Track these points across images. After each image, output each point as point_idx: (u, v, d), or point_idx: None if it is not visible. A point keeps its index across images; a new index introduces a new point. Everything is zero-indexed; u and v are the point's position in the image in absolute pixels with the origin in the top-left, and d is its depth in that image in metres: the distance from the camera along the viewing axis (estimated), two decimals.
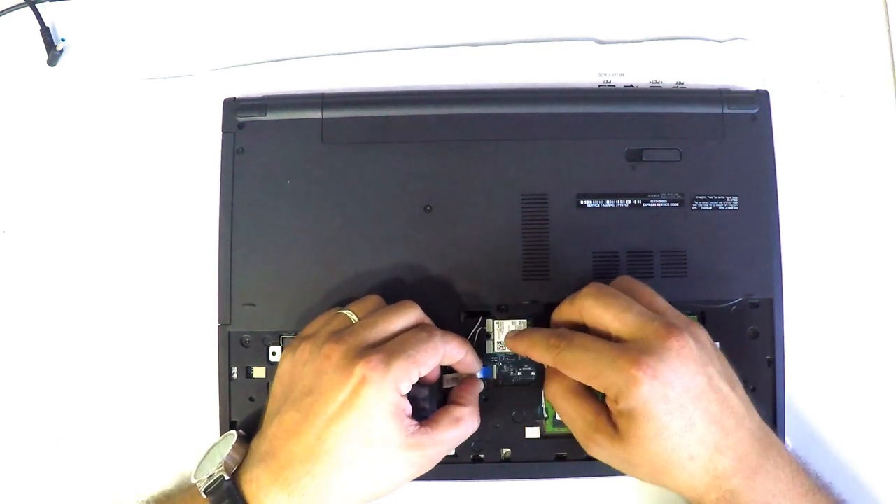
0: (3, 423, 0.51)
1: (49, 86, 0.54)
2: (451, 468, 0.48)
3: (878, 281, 0.51)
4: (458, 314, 0.48)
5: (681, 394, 0.40)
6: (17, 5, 0.54)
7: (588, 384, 0.42)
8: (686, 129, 0.50)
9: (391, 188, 0.49)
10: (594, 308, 0.43)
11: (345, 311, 0.44)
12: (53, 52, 0.53)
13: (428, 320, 0.45)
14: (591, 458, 0.47)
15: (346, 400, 0.40)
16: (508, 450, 0.48)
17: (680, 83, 0.52)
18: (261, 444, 0.42)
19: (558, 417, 0.47)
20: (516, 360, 0.48)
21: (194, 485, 0.41)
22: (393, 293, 0.48)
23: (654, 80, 0.52)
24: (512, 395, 0.48)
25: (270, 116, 0.50)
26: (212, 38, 0.54)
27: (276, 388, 0.44)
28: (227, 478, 0.41)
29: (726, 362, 0.43)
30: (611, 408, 0.42)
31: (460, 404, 0.45)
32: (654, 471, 0.41)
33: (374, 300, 0.46)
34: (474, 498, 0.49)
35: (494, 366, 0.48)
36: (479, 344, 0.48)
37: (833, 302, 0.51)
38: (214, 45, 0.54)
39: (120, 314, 0.51)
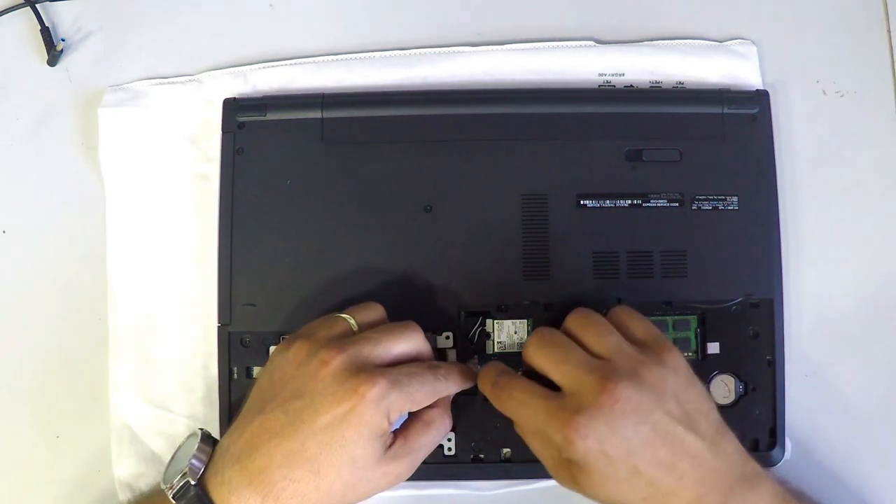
0: (3, 424, 0.51)
1: (49, 86, 0.54)
2: (451, 468, 0.48)
3: (878, 281, 0.51)
4: (458, 314, 0.48)
5: (619, 446, 0.39)
6: (17, 5, 0.54)
7: (530, 437, 0.42)
8: (686, 129, 0.50)
9: (391, 188, 0.49)
10: (535, 357, 0.43)
11: (345, 317, 0.44)
12: (53, 52, 0.53)
13: (428, 348, 0.45)
14: None
15: (340, 414, 0.40)
16: (508, 450, 0.48)
17: (680, 83, 0.52)
18: (235, 441, 0.41)
19: None
20: (516, 361, 0.48)
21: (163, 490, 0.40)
22: (393, 293, 0.48)
23: (654, 80, 0.52)
24: None
25: (270, 116, 0.50)
26: (212, 38, 0.54)
27: (263, 383, 0.43)
28: (193, 483, 0.40)
29: (694, 393, 0.41)
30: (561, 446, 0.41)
31: (430, 407, 0.44)
32: None
33: (375, 310, 0.45)
34: (474, 498, 0.49)
35: None
36: (479, 344, 0.48)
37: (833, 302, 0.51)
38: (214, 45, 0.54)
39: (120, 314, 0.50)
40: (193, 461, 0.40)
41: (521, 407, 0.42)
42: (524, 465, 0.48)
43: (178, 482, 0.40)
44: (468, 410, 0.48)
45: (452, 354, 0.48)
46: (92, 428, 0.50)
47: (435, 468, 0.48)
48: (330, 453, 0.40)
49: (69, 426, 0.50)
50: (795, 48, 0.53)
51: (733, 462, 0.41)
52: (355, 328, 0.44)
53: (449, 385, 0.44)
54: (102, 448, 0.50)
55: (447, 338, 0.48)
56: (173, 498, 0.40)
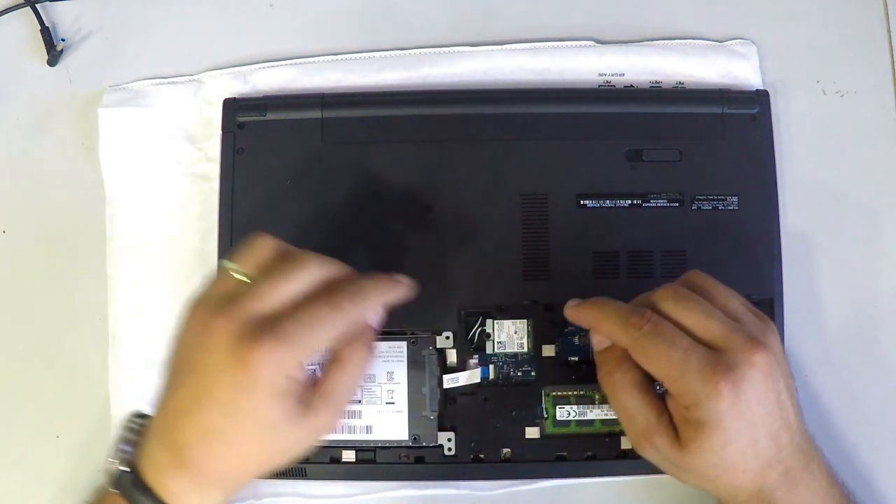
0: (3, 424, 0.51)
1: (49, 86, 0.54)
2: (451, 468, 0.48)
3: (878, 281, 0.51)
4: (458, 314, 0.48)
5: (754, 413, 0.39)
6: (17, 5, 0.54)
7: (660, 380, 0.40)
8: (686, 129, 0.50)
9: (391, 188, 0.49)
10: (676, 310, 0.40)
11: (231, 267, 0.40)
12: (53, 52, 0.53)
13: (336, 272, 0.40)
14: (590, 458, 0.47)
15: (235, 385, 0.37)
16: (508, 450, 0.48)
17: (680, 83, 0.52)
18: (156, 419, 0.40)
19: (559, 417, 0.47)
20: (516, 360, 0.48)
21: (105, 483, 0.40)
22: None
23: (654, 80, 0.52)
24: (512, 395, 0.48)
25: (270, 116, 0.50)
26: (212, 38, 0.54)
27: (171, 354, 0.40)
28: (127, 470, 0.39)
29: (788, 367, 0.41)
30: (676, 412, 0.40)
31: (345, 344, 0.41)
32: (703, 478, 0.40)
33: (267, 246, 0.40)
34: (474, 498, 0.49)
35: (493, 366, 0.48)
36: (479, 344, 0.48)
37: (833, 302, 0.51)
38: (214, 45, 0.54)
39: (120, 314, 0.50)
40: (125, 446, 0.40)
41: (669, 347, 0.39)
42: (524, 465, 0.48)
43: (111, 469, 0.40)
44: (468, 410, 0.48)
45: (452, 354, 0.48)
46: (92, 428, 0.50)
47: (435, 468, 0.48)
48: (238, 424, 0.38)
49: (69, 426, 0.50)
50: (795, 48, 0.53)
51: (808, 438, 0.41)
52: (245, 279, 0.39)
53: (353, 312, 0.39)
54: (102, 448, 0.50)
55: (447, 338, 0.48)
56: (111, 486, 0.39)
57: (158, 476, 0.39)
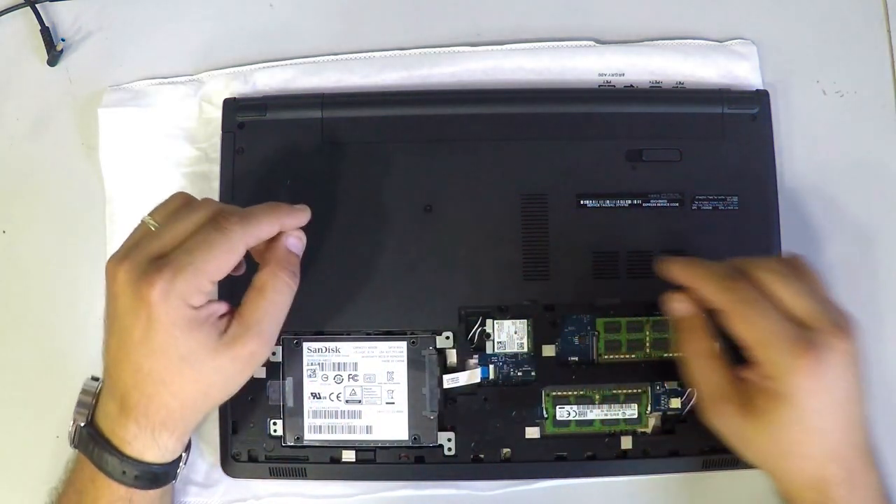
0: (3, 424, 0.51)
1: (49, 86, 0.54)
2: (451, 468, 0.48)
3: (878, 281, 0.51)
4: (458, 314, 0.48)
5: (830, 397, 0.39)
6: (17, 5, 0.54)
7: (745, 345, 0.41)
8: (686, 129, 0.50)
9: (391, 188, 0.49)
10: (772, 280, 0.41)
11: (146, 217, 0.41)
12: (53, 52, 0.53)
13: (230, 207, 0.42)
14: (590, 458, 0.47)
15: (142, 325, 0.38)
16: (508, 450, 0.48)
17: (680, 83, 0.52)
18: (104, 373, 0.42)
19: (559, 417, 0.47)
20: (516, 360, 0.48)
21: (72, 454, 0.42)
22: (392, 293, 0.48)
23: (654, 80, 0.52)
24: (512, 395, 0.48)
25: (270, 116, 0.50)
26: (212, 38, 0.54)
27: (104, 310, 0.42)
28: (81, 424, 0.41)
29: (862, 369, 0.42)
30: (755, 380, 0.41)
31: (260, 269, 0.42)
32: (765, 454, 0.41)
33: (177, 198, 0.42)
34: (474, 498, 0.49)
35: (493, 366, 0.48)
36: (479, 344, 0.48)
37: None
38: (214, 45, 0.54)
39: None
40: (80, 405, 0.42)
41: (762, 313, 0.40)
42: (524, 465, 0.48)
43: (72, 428, 0.42)
44: (468, 410, 0.48)
45: (452, 354, 0.48)
46: None
47: (435, 468, 0.48)
48: (160, 361, 0.39)
49: (69, 426, 0.50)
50: (795, 48, 0.53)
51: (870, 441, 0.41)
52: (152, 225, 0.41)
53: (251, 230, 0.40)
54: None
55: (447, 338, 0.48)
56: (74, 447, 0.42)
57: (111, 426, 0.40)
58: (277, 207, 0.43)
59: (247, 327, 0.40)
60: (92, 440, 0.41)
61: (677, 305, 0.44)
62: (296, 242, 0.43)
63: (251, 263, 0.44)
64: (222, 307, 0.41)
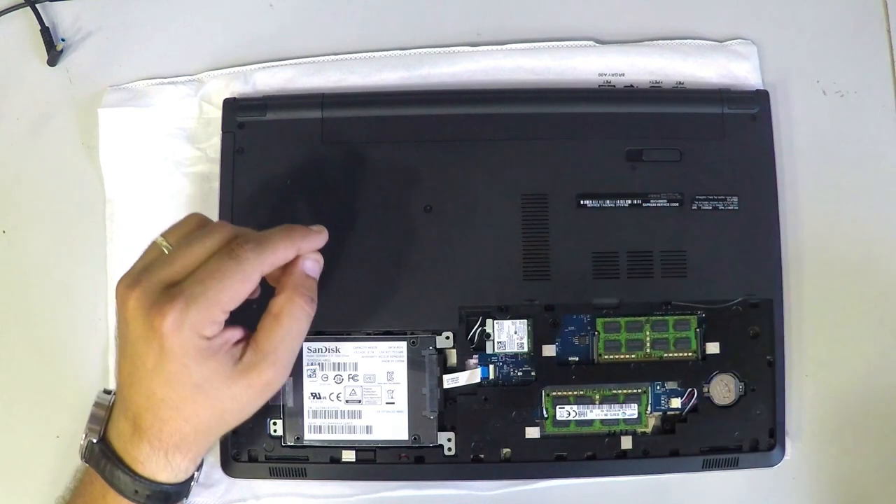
0: (3, 424, 0.51)
1: (49, 86, 0.54)
2: (451, 468, 0.48)
3: (878, 280, 0.51)
4: (458, 314, 0.48)
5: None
6: (17, 5, 0.54)
7: None
8: (686, 129, 0.50)
9: (391, 188, 0.49)
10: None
11: (158, 239, 0.40)
12: (53, 52, 0.53)
13: (245, 231, 0.41)
14: (590, 458, 0.47)
15: (154, 354, 0.38)
16: (508, 450, 0.48)
17: (680, 83, 0.52)
18: (117, 392, 0.41)
19: (559, 417, 0.48)
20: (516, 360, 0.48)
21: (81, 464, 0.41)
22: (393, 293, 0.48)
23: (654, 80, 0.52)
24: (512, 395, 0.48)
25: (270, 116, 0.50)
26: (212, 38, 0.54)
27: (116, 329, 0.42)
28: (94, 441, 0.41)
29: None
30: None
31: (277, 294, 0.41)
32: None
33: (191, 220, 0.41)
34: (474, 498, 0.49)
35: (493, 366, 0.48)
36: (479, 344, 0.48)
37: (833, 302, 0.51)
38: (214, 45, 0.54)
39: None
40: (92, 420, 0.41)
41: None
42: (524, 465, 0.48)
43: (84, 443, 0.41)
44: (468, 410, 0.48)
45: (452, 354, 0.48)
46: None
47: (435, 468, 0.48)
48: (174, 390, 0.38)
49: (69, 426, 0.50)
50: (795, 48, 0.53)
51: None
52: (165, 248, 0.40)
53: (267, 258, 0.39)
54: None
55: (447, 338, 0.48)
56: (84, 459, 0.41)
57: (124, 444, 0.40)
58: (293, 231, 0.41)
59: (263, 355, 0.40)
60: (104, 457, 0.40)
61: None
62: (313, 266, 0.42)
63: (267, 286, 0.42)
64: (237, 334, 0.40)
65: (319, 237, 0.42)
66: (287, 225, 0.42)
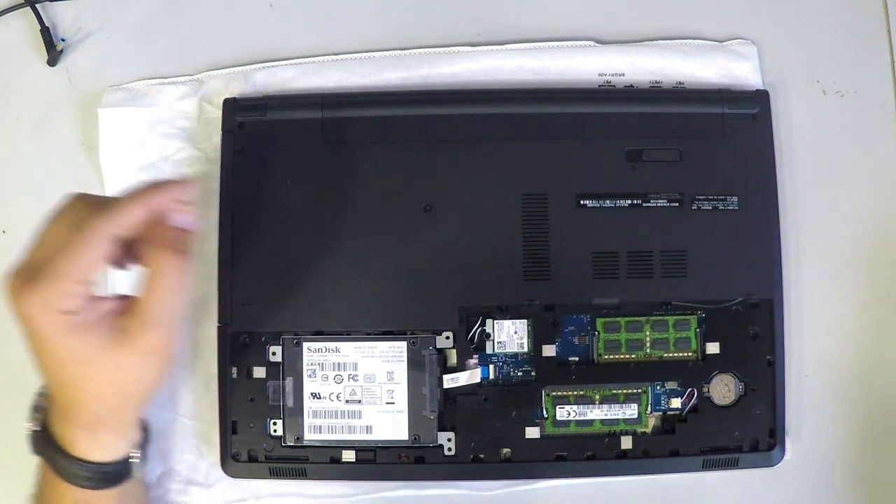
0: (3, 423, 0.51)
1: (49, 86, 0.54)
2: (451, 468, 0.48)
3: (878, 281, 0.51)
4: (458, 314, 0.48)
5: None
6: (17, 5, 0.54)
7: None
8: (686, 129, 0.50)
9: (391, 188, 0.49)
10: None
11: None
12: (53, 52, 0.53)
13: (91, 199, 0.39)
14: (590, 458, 0.47)
15: (32, 340, 0.38)
16: (508, 450, 0.48)
17: (680, 83, 0.52)
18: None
19: (559, 417, 0.48)
20: (516, 360, 0.48)
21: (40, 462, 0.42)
22: (393, 293, 0.48)
23: (654, 80, 0.52)
24: (512, 395, 0.48)
25: (270, 116, 0.50)
26: (212, 38, 0.54)
27: None
28: (36, 429, 0.42)
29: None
30: None
31: (145, 254, 0.39)
32: None
33: (65, 202, 0.40)
34: (474, 498, 0.49)
35: (493, 366, 0.48)
36: (479, 344, 0.48)
37: (833, 302, 0.51)
38: (214, 45, 0.54)
39: None
40: (35, 409, 0.43)
41: None
42: (524, 465, 0.48)
43: (28, 433, 0.43)
44: (468, 410, 0.48)
45: (452, 354, 0.48)
46: None
47: (435, 468, 0.48)
48: (65, 369, 0.39)
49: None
50: (795, 48, 0.53)
51: None
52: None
53: (104, 225, 0.38)
54: None
55: (447, 338, 0.48)
56: (32, 450, 0.42)
57: (58, 429, 0.41)
58: (144, 187, 0.40)
59: (140, 320, 0.39)
60: (44, 444, 0.42)
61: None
62: (180, 217, 0.40)
63: None
64: (110, 303, 0.39)
65: (176, 187, 0.40)
66: (141, 181, 0.40)
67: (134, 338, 0.39)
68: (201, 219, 0.42)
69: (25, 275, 0.38)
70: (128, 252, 0.40)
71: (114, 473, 0.42)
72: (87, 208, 0.39)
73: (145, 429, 0.46)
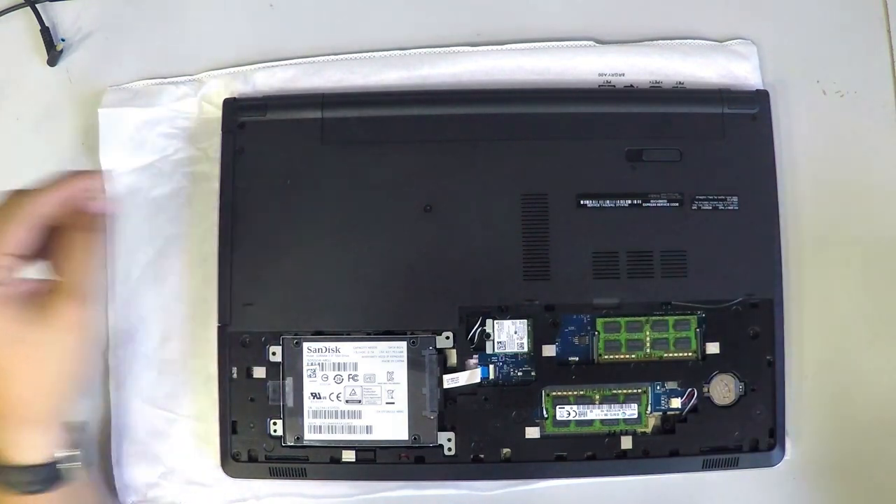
0: None
1: (49, 86, 0.54)
2: (451, 468, 0.48)
3: (878, 281, 0.51)
4: (458, 314, 0.48)
5: None
6: (17, 5, 0.54)
7: None
8: (686, 129, 0.50)
9: (391, 188, 0.49)
10: None
11: None
12: (53, 52, 0.53)
13: (19, 190, 0.41)
14: (590, 458, 0.47)
15: None
16: (508, 450, 0.48)
17: (680, 83, 0.52)
18: None
19: (559, 417, 0.48)
20: (516, 360, 0.48)
21: None
22: (392, 293, 0.48)
23: (654, 80, 0.52)
24: (512, 395, 0.48)
25: (270, 116, 0.50)
26: (212, 38, 0.54)
27: None
28: None
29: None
30: None
31: (63, 237, 0.42)
32: None
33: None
34: (474, 498, 0.49)
35: (493, 366, 0.48)
36: (479, 344, 0.48)
37: (833, 302, 0.51)
38: (214, 45, 0.54)
39: (119, 314, 0.50)
40: None
41: None
42: (524, 465, 0.48)
43: None
44: (468, 410, 0.48)
45: (452, 354, 0.48)
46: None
47: (435, 468, 0.48)
48: None
49: None
50: (795, 48, 0.53)
51: None
52: None
53: (26, 208, 0.40)
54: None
55: (447, 338, 0.48)
56: None
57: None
58: (61, 176, 0.42)
59: (59, 295, 0.41)
60: None
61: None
62: (94, 205, 0.43)
63: None
64: (28, 284, 0.41)
65: (88, 177, 0.43)
66: (59, 171, 0.43)
67: (55, 310, 0.40)
68: (118, 208, 0.46)
69: None
70: (41, 252, 0.42)
71: (42, 478, 0.41)
72: (13, 195, 0.41)
73: (83, 429, 0.45)
